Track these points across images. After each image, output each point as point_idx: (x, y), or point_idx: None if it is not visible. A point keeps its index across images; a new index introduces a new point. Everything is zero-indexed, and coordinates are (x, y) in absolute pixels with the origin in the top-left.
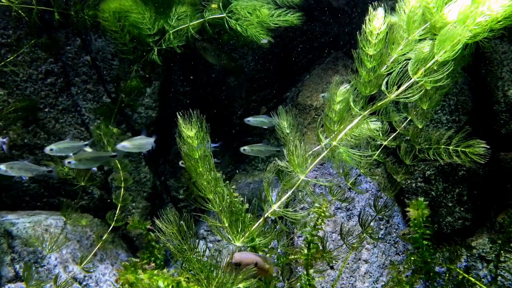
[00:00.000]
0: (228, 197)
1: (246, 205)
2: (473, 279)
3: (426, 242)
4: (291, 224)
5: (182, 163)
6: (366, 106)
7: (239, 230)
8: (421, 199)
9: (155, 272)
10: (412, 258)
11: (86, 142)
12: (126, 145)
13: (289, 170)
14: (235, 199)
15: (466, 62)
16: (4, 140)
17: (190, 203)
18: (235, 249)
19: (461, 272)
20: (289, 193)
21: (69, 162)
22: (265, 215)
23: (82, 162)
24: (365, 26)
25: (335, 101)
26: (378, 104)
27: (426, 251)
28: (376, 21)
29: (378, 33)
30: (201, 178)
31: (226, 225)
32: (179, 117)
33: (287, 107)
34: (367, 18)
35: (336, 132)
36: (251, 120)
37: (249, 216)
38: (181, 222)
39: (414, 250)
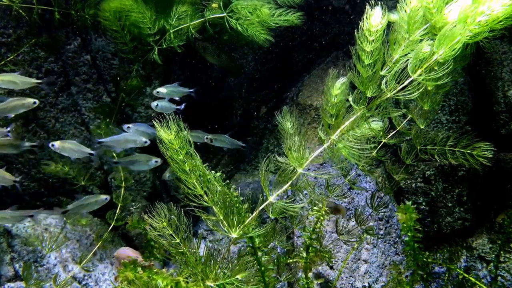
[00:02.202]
0: (220, 188)
1: (246, 205)
2: (473, 279)
3: (417, 245)
4: (290, 223)
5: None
6: (364, 102)
7: (235, 222)
8: (409, 202)
9: (155, 271)
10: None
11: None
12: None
13: (288, 165)
14: (232, 196)
15: (467, 62)
16: (8, 129)
17: (190, 202)
18: (232, 241)
19: (461, 272)
20: (287, 185)
21: (52, 145)
22: (261, 207)
23: (65, 149)
24: (363, 23)
25: (332, 94)
26: (377, 101)
27: (418, 254)
28: (374, 18)
29: (376, 30)
30: (189, 177)
31: (221, 217)
32: (155, 123)
33: (287, 107)
34: (365, 15)
35: (334, 126)
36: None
37: (244, 208)
38: (172, 216)
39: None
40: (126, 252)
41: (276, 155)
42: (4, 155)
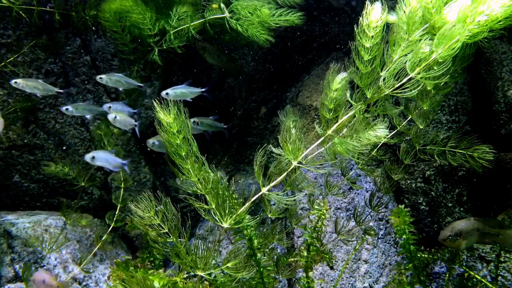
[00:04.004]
0: (213, 178)
1: (234, 192)
2: (479, 277)
3: (413, 247)
4: (290, 223)
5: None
6: (362, 99)
7: (227, 211)
8: (402, 206)
9: (150, 271)
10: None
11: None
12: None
13: (282, 156)
14: (226, 186)
15: (467, 63)
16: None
17: (190, 202)
18: (223, 230)
19: (466, 269)
20: (281, 177)
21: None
22: (254, 197)
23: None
24: (362, 19)
25: (332, 88)
26: (375, 96)
27: (415, 256)
28: (374, 14)
29: (376, 26)
30: (184, 163)
31: (213, 206)
32: (155, 104)
33: (287, 107)
34: (365, 11)
35: (331, 121)
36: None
37: (236, 198)
38: (160, 206)
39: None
40: (41, 275)
41: (271, 146)
42: (3, 157)
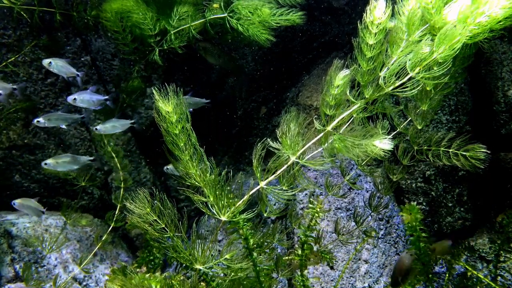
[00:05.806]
0: (212, 173)
1: (244, 198)
2: (481, 276)
3: (423, 245)
4: (291, 223)
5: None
6: (362, 96)
7: (225, 205)
8: (414, 203)
9: (147, 275)
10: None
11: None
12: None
13: (280, 151)
14: (223, 180)
15: (468, 63)
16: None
17: (190, 202)
18: (220, 224)
19: (469, 268)
20: (280, 171)
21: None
22: (252, 191)
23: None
24: (366, 15)
25: (334, 84)
26: (375, 95)
27: (424, 254)
28: (378, 11)
29: (379, 23)
30: (182, 153)
31: (211, 199)
32: (154, 92)
33: (292, 108)
34: (368, 8)
35: (331, 117)
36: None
37: (233, 193)
38: (156, 202)
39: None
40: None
41: (269, 140)
42: (3, 157)
